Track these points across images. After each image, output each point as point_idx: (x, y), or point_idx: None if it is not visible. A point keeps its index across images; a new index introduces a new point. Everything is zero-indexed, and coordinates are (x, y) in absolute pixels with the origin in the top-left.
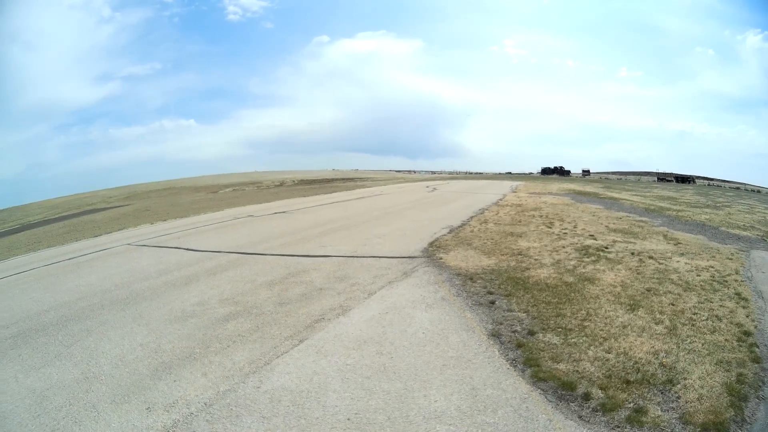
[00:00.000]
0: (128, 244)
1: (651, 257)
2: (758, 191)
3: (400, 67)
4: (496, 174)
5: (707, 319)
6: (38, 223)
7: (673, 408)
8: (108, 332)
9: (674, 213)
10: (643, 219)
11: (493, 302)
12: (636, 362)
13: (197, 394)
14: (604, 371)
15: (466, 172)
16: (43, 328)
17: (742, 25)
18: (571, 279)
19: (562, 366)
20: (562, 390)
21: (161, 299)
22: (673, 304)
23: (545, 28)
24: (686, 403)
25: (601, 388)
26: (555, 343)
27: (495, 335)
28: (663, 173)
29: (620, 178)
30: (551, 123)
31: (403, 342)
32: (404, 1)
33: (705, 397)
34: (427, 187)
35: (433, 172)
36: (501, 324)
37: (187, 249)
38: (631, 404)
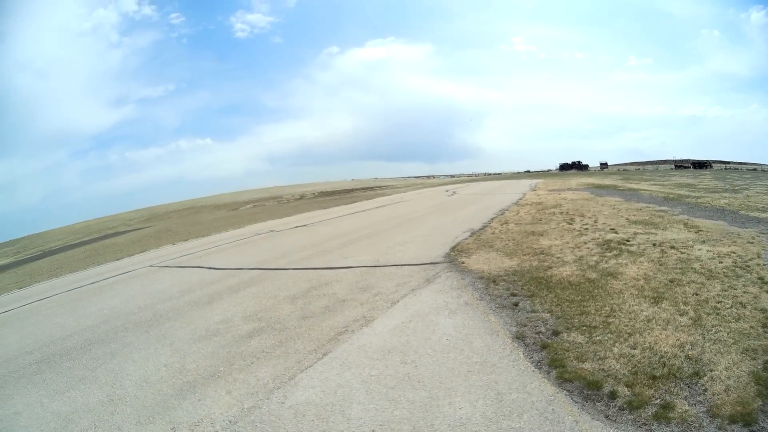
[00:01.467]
0: (150, 266)
1: (673, 247)
2: None
3: (412, 71)
4: (514, 173)
5: (731, 307)
6: (59, 249)
7: (701, 401)
8: (132, 354)
9: (693, 200)
10: (663, 208)
11: (516, 304)
12: (662, 356)
13: (222, 412)
14: (629, 368)
15: (484, 174)
16: (67, 353)
17: (744, 3)
18: (593, 275)
19: (587, 365)
20: (588, 390)
21: (184, 319)
22: (696, 294)
23: (551, 22)
24: (713, 395)
25: (627, 386)
26: (580, 342)
27: (519, 338)
28: (680, 160)
29: (638, 169)
30: (565, 117)
31: (427, 350)
32: (409, 6)
33: (732, 388)
34: (447, 191)
35: (452, 176)
36: (525, 326)
37: (209, 268)
38: (658, 400)
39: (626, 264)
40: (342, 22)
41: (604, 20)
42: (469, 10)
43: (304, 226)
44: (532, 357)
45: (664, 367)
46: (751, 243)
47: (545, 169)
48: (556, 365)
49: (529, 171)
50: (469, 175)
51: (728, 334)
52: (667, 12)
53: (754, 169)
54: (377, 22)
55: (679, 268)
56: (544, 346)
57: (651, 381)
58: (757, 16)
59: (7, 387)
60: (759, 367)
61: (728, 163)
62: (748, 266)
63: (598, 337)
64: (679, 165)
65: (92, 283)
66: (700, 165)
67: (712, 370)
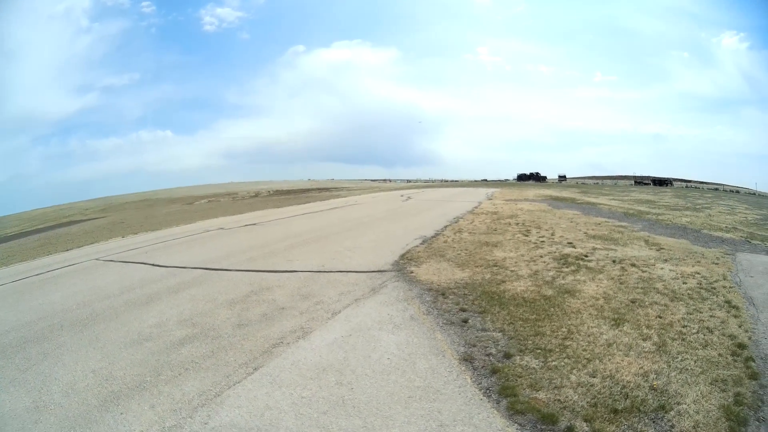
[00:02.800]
0: (96, 260)
1: (633, 265)
2: (737, 191)
3: (376, 76)
4: (472, 181)
5: (698, 332)
6: (14, 236)
7: None
8: (63, 356)
9: (654, 216)
10: (623, 224)
11: (466, 321)
12: (624, 386)
13: (142, 429)
14: (588, 399)
15: (441, 180)
16: (2, 350)
17: (717, 27)
18: (550, 292)
19: (541, 395)
20: (543, 424)
21: (120, 319)
22: (660, 317)
23: (519, 36)
24: None
25: (586, 420)
26: (534, 368)
27: (467, 359)
28: (640, 177)
29: (597, 183)
30: (527, 129)
31: (366, 370)
32: (379, 10)
33: (701, 425)
34: (402, 196)
35: (409, 181)
36: (474, 346)
37: (153, 264)
38: None
39: (584, 281)
40: (310, 21)
41: (572, 36)
42: (437, 18)
43: (254, 225)
44: (481, 383)
45: (626, 399)
46: (716, 264)
47: (503, 178)
48: (507, 394)
49: (486, 180)
50: (426, 181)
51: (695, 362)
52: (638, 31)
53: (716, 189)
54: (345, 24)
55: (641, 288)
56: (494, 371)
57: (612, 415)
58: (729, 41)
59: None
60: (730, 401)
61: (689, 181)
62: (714, 288)
63: (554, 362)
64: (639, 181)
65: (37, 275)
66: (661, 182)
67: (679, 404)
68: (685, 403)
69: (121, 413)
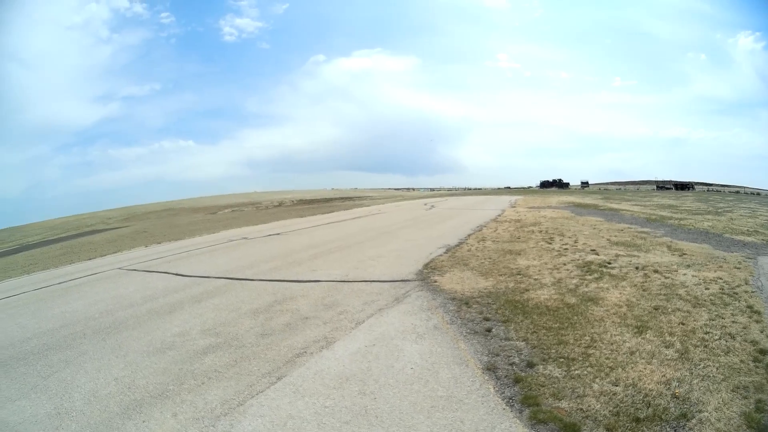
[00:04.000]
0: (119, 269)
1: (656, 271)
2: (758, 194)
3: (397, 84)
4: (494, 189)
5: (720, 339)
6: (36, 244)
7: None
8: (85, 364)
9: (676, 222)
10: (645, 230)
11: (489, 330)
12: (646, 395)
13: None
14: (611, 408)
15: (464, 188)
16: (24, 357)
17: (733, 28)
18: (573, 300)
19: (564, 404)
20: None
21: (143, 328)
22: (683, 323)
23: (537, 41)
24: None
25: (608, 430)
26: (557, 377)
27: (490, 369)
28: (661, 181)
29: (619, 189)
30: (548, 135)
31: (389, 379)
32: (398, 18)
33: None
34: (425, 204)
35: (432, 189)
36: (497, 355)
37: (176, 274)
38: None
39: (608, 288)
40: (330, 30)
41: (590, 41)
42: (456, 25)
43: (278, 234)
44: (504, 392)
45: (648, 408)
46: (738, 268)
47: (526, 186)
48: (530, 403)
49: (509, 187)
50: (449, 190)
51: (717, 369)
52: (655, 35)
53: (737, 192)
54: (365, 32)
55: (664, 295)
56: (517, 380)
57: (634, 424)
58: (745, 41)
59: None
60: (751, 408)
61: (710, 185)
62: (736, 293)
63: (576, 371)
64: (661, 186)
65: (60, 283)
66: (682, 186)
67: (700, 411)
68: (707, 411)
69: (143, 421)
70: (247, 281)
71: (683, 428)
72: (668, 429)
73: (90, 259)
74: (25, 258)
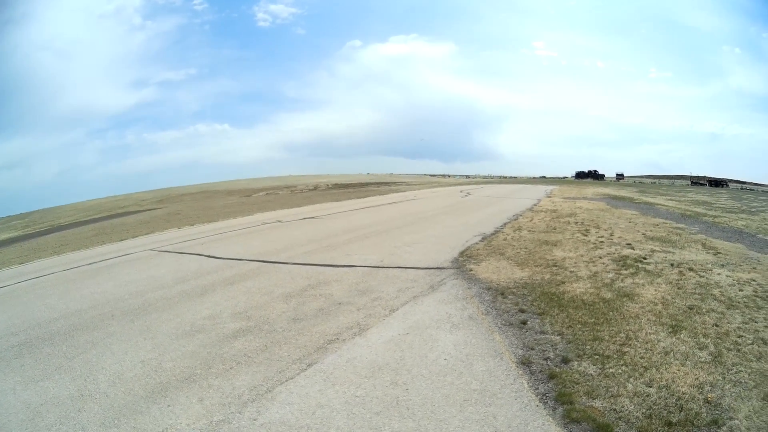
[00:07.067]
0: (151, 250)
1: (691, 269)
2: None
3: (435, 69)
4: (530, 178)
5: (752, 343)
6: (68, 226)
7: None
8: (112, 345)
9: (711, 219)
10: (680, 225)
11: (524, 322)
12: (679, 398)
13: (189, 423)
14: (644, 410)
15: (500, 176)
16: (50, 338)
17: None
18: (608, 295)
19: (598, 403)
20: None
21: (173, 311)
22: (716, 325)
23: (574, 29)
24: None
25: None
26: (591, 374)
27: (525, 363)
28: (696, 176)
29: (654, 182)
30: (584, 124)
31: (422, 370)
32: (434, 4)
33: None
34: (461, 191)
35: (468, 176)
36: (532, 349)
37: (209, 256)
38: None
39: (643, 284)
40: (365, 16)
41: (626, 30)
42: (492, 11)
43: (313, 218)
44: (538, 388)
45: (681, 412)
46: None
47: (561, 176)
48: (564, 401)
49: (545, 177)
50: (485, 177)
51: (749, 375)
52: (690, 25)
53: None
54: (401, 18)
55: (699, 294)
56: (551, 376)
57: (666, 428)
58: None
59: None
60: None
61: (744, 182)
62: None
63: (611, 369)
64: (696, 182)
65: (90, 264)
66: (716, 183)
67: (731, 419)
68: (738, 419)
69: (168, 405)
70: (281, 264)
71: None
72: None
73: (122, 240)
74: (56, 239)
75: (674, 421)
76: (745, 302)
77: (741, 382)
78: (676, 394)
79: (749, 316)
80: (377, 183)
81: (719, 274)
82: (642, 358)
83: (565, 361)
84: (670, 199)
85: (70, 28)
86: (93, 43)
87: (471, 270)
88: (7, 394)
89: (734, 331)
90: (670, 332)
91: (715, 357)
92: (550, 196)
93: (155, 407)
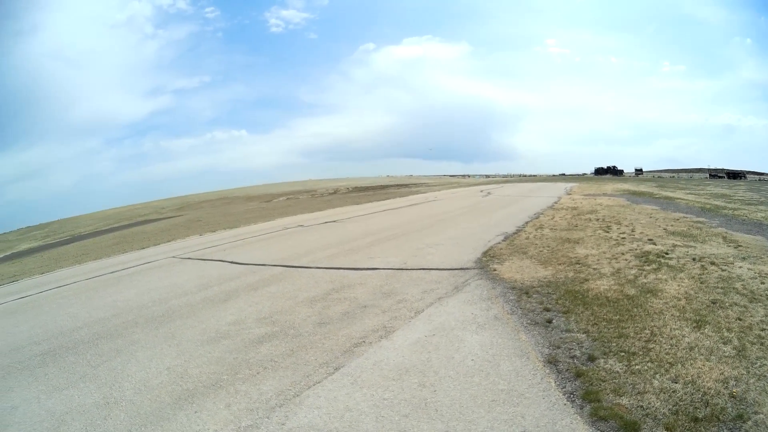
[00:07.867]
0: (173, 257)
1: (713, 263)
2: None
3: (449, 71)
4: (549, 176)
5: None
6: (88, 235)
7: None
8: (137, 353)
9: (730, 212)
10: (701, 219)
11: (550, 321)
12: (704, 393)
13: (216, 428)
14: (670, 406)
15: (519, 175)
16: (74, 346)
17: None
18: (632, 291)
19: (624, 400)
20: None
21: (197, 317)
22: (740, 319)
23: (585, 26)
24: None
25: (667, 429)
26: (617, 371)
27: (551, 362)
28: (714, 169)
29: (673, 176)
30: (600, 121)
31: (449, 371)
32: (446, 5)
33: None
34: (481, 191)
35: (487, 176)
36: (558, 348)
37: (231, 262)
38: None
39: (666, 280)
40: (378, 19)
41: (637, 26)
42: (503, 11)
43: (334, 221)
44: (565, 387)
45: (706, 407)
46: None
47: (580, 173)
48: (591, 399)
49: (564, 174)
50: (504, 176)
51: None
52: (700, 18)
53: None
54: (413, 20)
55: (721, 288)
56: (578, 374)
57: (693, 424)
58: None
59: (9, 378)
60: None
61: (762, 174)
62: None
63: (637, 366)
64: (714, 174)
65: (112, 273)
66: (734, 175)
67: (756, 413)
68: (762, 413)
69: (195, 412)
70: (304, 269)
71: (739, 430)
72: (725, 430)
73: (143, 248)
74: (76, 248)
75: (700, 416)
76: (767, 295)
77: (765, 376)
78: (702, 390)
79: None
80: (397, 185)
81: (741, 267)
82: (667, 354)
83: (592, 359)
84: (690, 193)
85: (82, 38)
86: (106, 53)
87: (494, 270)
88: (31, 402)
89: (757, 324)
90: (694, 327)
91: (739, 351)
92: (570, 194)
93: (182, 413)
